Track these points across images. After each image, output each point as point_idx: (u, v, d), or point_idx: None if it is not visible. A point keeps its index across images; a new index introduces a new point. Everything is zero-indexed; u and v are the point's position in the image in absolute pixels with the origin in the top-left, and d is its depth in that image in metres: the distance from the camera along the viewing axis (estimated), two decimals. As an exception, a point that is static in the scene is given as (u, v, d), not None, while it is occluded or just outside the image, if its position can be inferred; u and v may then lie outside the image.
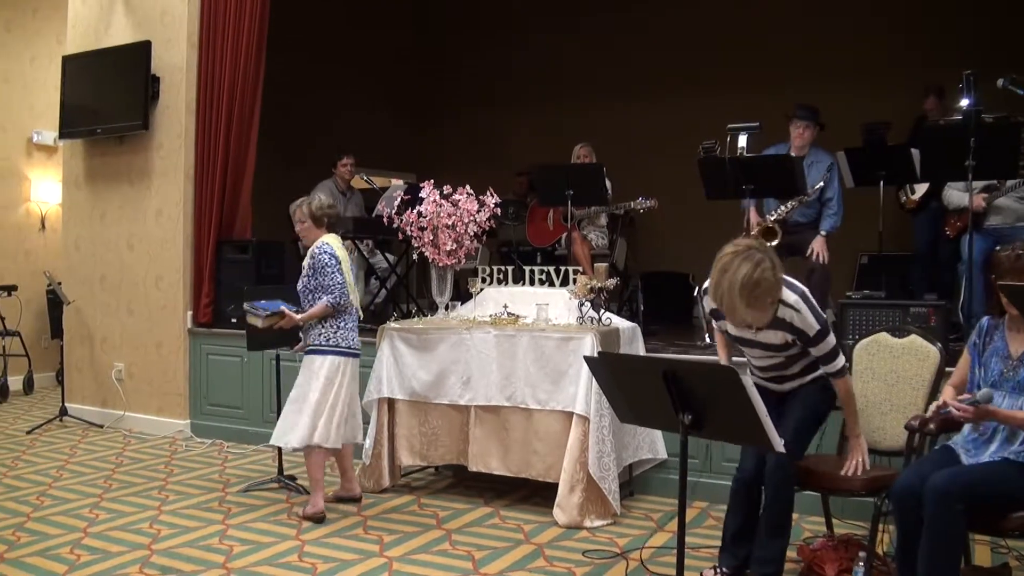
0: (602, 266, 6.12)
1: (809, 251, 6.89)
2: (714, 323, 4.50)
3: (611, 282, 5.86)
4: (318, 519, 5.54)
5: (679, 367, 3.33)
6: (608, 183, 7.84)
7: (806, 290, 4.19)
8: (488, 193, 6.30)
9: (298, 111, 10.98)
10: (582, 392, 5.40)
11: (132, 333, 8.35)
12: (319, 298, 5.53)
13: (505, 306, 6.05)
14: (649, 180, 9.19)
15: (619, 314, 6.72)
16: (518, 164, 10.50)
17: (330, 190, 8.93)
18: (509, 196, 9.58)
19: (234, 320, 7.75)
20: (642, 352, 6.14)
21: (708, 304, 4.37)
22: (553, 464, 5.53)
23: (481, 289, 6.35)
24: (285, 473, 6.38)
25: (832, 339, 4.18)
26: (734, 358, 4.60)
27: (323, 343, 5.56)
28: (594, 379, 4.90)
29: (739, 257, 3.95)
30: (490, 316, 6.05)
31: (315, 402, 5.49)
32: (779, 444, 3.31)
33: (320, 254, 5.55)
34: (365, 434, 6.05)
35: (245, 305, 5.71)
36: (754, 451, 4.15)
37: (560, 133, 10.12)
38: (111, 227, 8.49)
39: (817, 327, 4.11)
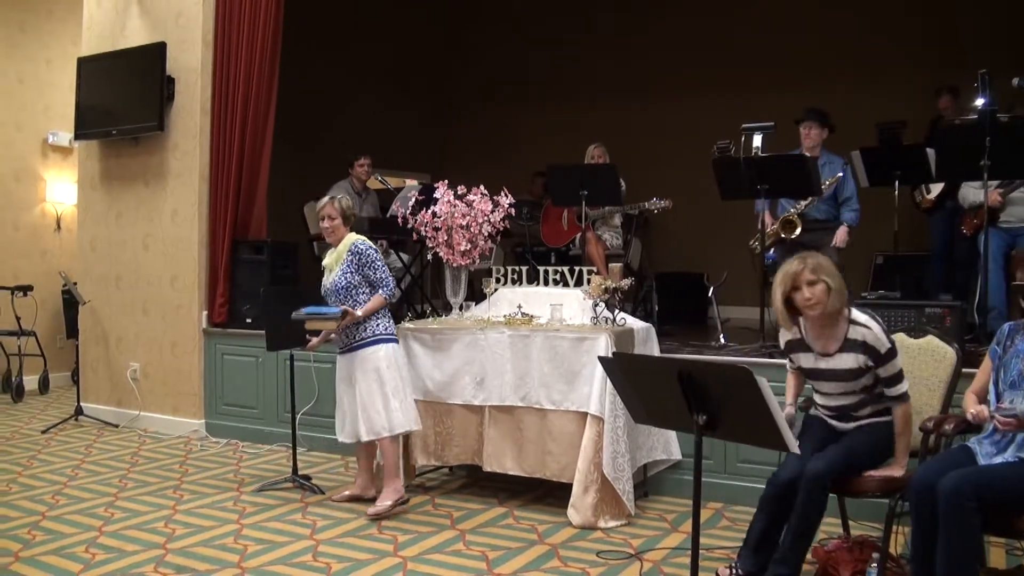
0: (616, 266, 6.11)
1: (833, 240, 6.96)
2: (788, 363, 4.62)
3: (625, 282, 5.86)
4: (404, 501, 5.76)
5: (694, 367, 3.33)
6: (622, 183, 7.83)
7: (873, 314, 4.36)
8: (502, 193, 6.31)
9: (313, 112, 11.00)
10: (596, 392, 5.40)
11: (147, 333, 8.38)
12: (363, 292, 5.69)
13: (519, 306, 6.06)
14: (663, 180, 9.20)
15: (633, 314, 6.71)
16: (532, 164, 10.51)
17: (346, 190, 8.94)
18: (525, 196, 9.59)
19: (249, 320, 7.78)
20: (656, 352, 6.14)
21: (783, 339, 4.54)
22: (567, 464, 5.54)
23: (495, 289, 6.36)
24: (300, 473, 6.40)
25: (900, 361, 4.27)
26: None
27: (383, 332, 5.73)
28: (608, 379, 4.90)
29: (791, 258, 4.31)
30: (504, 316, 6.06)
31: (395, 387, 5.67)
32: (794, 445, 3.30)
33: (367, 250, 5.71)
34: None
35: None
36: (796, 460, 4.13)
37: (574, 133, 10.11)
38: (126, 227, 8.53)
39: (888, 344, 4.23)
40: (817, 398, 4.50)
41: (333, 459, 7.09)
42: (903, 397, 4.25)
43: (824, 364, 4.33)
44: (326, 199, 5.86)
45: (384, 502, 5.67)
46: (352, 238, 5.78)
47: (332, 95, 11.49)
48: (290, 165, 9.75)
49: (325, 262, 5.89)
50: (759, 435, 3.40)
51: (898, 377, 4.24)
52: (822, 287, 4.17)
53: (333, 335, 5.87)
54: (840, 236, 7.07)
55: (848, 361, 4.25)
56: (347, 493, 6.00)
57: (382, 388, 5.64)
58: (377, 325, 5.71)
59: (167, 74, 8.15)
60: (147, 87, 8.20)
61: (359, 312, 5.63)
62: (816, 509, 4.10)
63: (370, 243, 5.79)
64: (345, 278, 5.68)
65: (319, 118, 11.20)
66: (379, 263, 5.73)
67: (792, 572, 4.12)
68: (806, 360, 4.41)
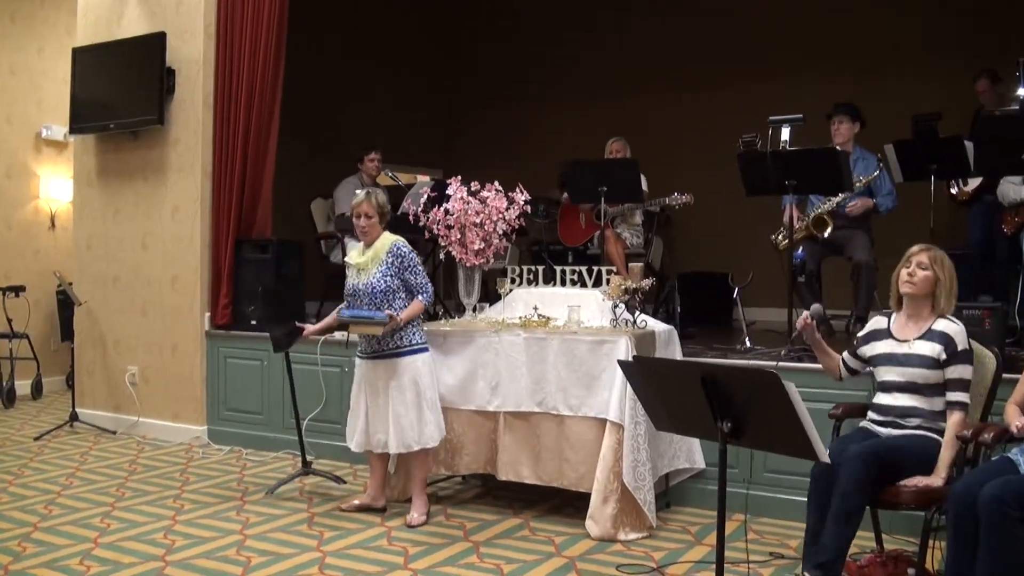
0: (637, 266, 6.13)
1: (850, 208, 7.10)
2: (846, 356, 4.79)
3: (646, 282, 5.87)
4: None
5: (718, 372, 3.33)
6: (643, 179, 7.83)
7: None
8: (517, 190, 6.31)
9: (320, 105, 11.02)
10: (616, 398, 5.41)
11: (147, 335, 8.42)
12: (400, 297, 5.68)
13: (535, 308, 6.06)
14: (685, 176, 9.18)
15: (655, 316, 6.72)
16: (549, 160, 10.50)
17: (355, 187, 8.96)
18: (555, 193, 9.60)
19: (253, 322, 7.80)
20: (679, 356, 6.15)
21: (867, 328, 4.72)
22: (586, 473, 5.54)
23: (510, 290, 6.37)
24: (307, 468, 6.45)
25: (971, 373, 4.36)
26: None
27: (419, 342, 5.76)
28: (628, 384, 4.91)
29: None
30: (519, 318, 6.07)
31: (431, 399, 5.70)
32: (824, 454, 3.30)
33: (409, 253, 5.72)
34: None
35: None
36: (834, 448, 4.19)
37: (594, 128, 10.13)
38: (125, 225, 8.57)
39: (967, 347, 4.35)
40: (877, 397, 4.54)
41: (341, 466, 7.10)
42: (962, 406, 4.29)
43: (902, 350, 4.45)
44: (362, 194, 5.79)
45: (419, 514, 5.73)
46: (391, 238, 5.76)
47: (340, 88, 11.51)
48: (296, 160, 9.78)
49: (356, 260, 5.82)
50: (787, 443, 3.40)
51: (964, 385, 4.32)
52: (929, 275, 4.42)
53: (340, 334, 5.87)
54: (856, 204, 7.14)
55: (925, 348, 4.37)
56: (356, 503, 6.02)
57: (418, 400, 5.65)
58: (414, 334, 5.72)
59: (167, 65, 8.17)
60: (146, 79, 8.23)
61: (401, 317, 5.61)
62: (856, 488, 4.09)
63: (409, 245, 5.79)
64: (384, 281, 5.65)
65: (327, 111, 11.22)
66: (420, 267, 5.74)
67: (830, 560, 4.11)
68: (883, 347, 4.54)
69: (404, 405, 5.63)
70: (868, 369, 4.66)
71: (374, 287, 5.64)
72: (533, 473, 5.77)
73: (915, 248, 4.51)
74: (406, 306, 5.68)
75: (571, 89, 12.23)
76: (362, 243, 5.87)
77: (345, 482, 6.18)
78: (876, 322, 4.68)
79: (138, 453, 7.69)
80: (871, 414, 4.55)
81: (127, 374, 8.51)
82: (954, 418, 4.26)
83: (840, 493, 4.11)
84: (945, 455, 4.23)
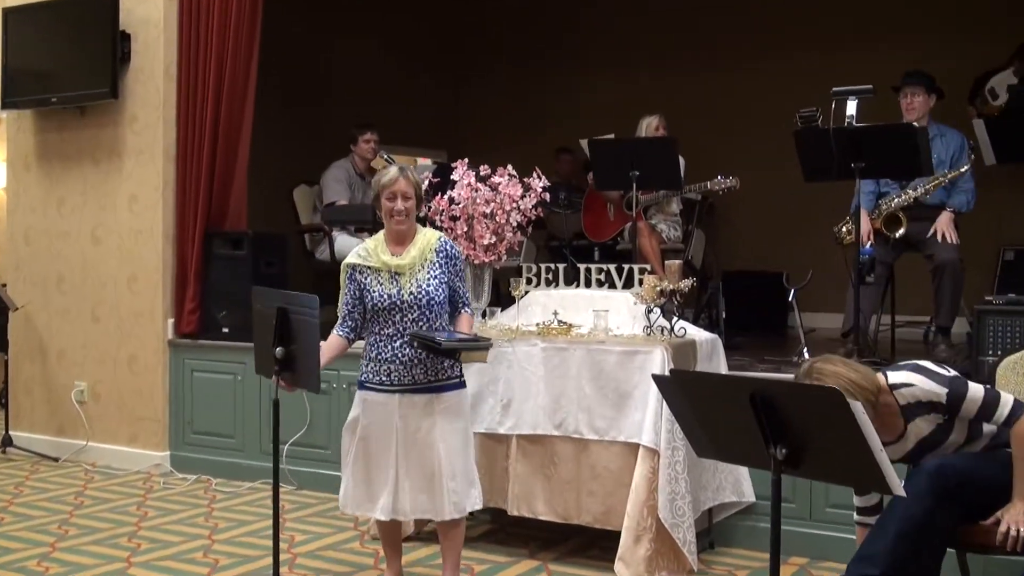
0: (674, 263, 6.12)
1: (931, 231, 6.87)
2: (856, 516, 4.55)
3: (685, 283, 5.87)
4: None
5: (770, 388, 3.32)
6: (682, 161, 7.81)
7: (914, 363, 4.28)
8: (534, 175, 6.31)
9: (305, 76, 11.01)
10: (650, 419, 5.41)
11: (98, 345, 8.43)
12: (447, 310, 5.09)
13: (555, 313, 6.06)
14: (732, 157, 9.17)
15: (695, 323, 6.72)
16: (571, 140, 10.49)
17: (346, 172, 8.95)
18: (573, 181, 9.60)
19: (226, 329, 7.80)
20: (724, 370, 6.15)
21: None
22: (614, 508, 5.54)
23: (526, 292, 6.36)
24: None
25: (977, 390, 4.13)
26: None
27: (461, 372, 5.14)
28: (665, 403, 4.89)
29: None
30: (537, 325, 6.07)
31: (471, 452, 5.16)
32: (898, 486, 3.29)
33: (460, 254, 5.23)
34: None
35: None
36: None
37: (623, 104, 10.10)
38: (71, 216, 8.58)
39: (942, 389, 4.11)
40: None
41: (328, 499, 7.03)
42: (1012, 417, 4.09)
43: (906, 448, 4.26)
44: (394, 171, 5.03)
45: None
46: (435, 233, 5.18)
47: (328, 55, 11.49)
48: (276, 141, 9.76)
49: (390, 261, 4.97)
50: (853, 473, 3.39)
51: (991, 403, 4.11)
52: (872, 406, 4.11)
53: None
54: (943, 223, 6.96)
55: (923, 428, 4.20)
56: None
57: (465, 449, 5.04)
58: (455, 364, 5.04)
59: (121, 29, 8.15)
60: (95, 45, 8.21)
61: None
62: (922, 508, 3.97)
63: None
64: (442, 288, 5.00)
65: (312, 84, 11.20)
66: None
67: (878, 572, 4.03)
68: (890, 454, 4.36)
69: (455, 454, 4.96)
70: None
71: (431, 296, 4.95)
72: (549, 508, 5.76)
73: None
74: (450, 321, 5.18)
75: (598, 59, 12.19)
76: (376, 239, 5.15)
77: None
78: None
79: (86, 483, 7.70)
80: None
81: (74, 391, 8.51)
82: (1016, 430, 4.05)
83: (903, 513, 3.99)
84: (1019, 471, 4.05)
